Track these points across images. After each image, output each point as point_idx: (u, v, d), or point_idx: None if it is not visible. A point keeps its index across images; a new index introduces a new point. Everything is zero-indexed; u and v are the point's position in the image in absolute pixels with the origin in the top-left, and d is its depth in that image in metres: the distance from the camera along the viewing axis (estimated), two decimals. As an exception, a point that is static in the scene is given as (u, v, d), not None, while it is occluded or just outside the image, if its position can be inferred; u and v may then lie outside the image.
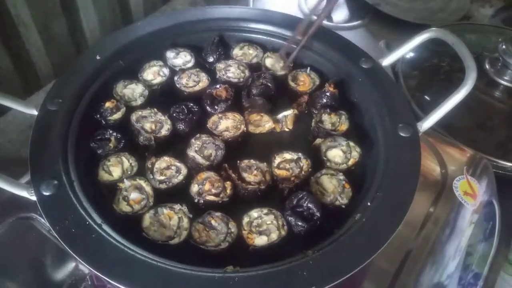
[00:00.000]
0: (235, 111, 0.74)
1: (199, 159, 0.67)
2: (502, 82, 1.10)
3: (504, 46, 1.07)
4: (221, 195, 0.64)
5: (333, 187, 0.65)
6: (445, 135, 0.98)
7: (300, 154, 0.69)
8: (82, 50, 1.30)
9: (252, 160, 0.67)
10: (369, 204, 0.60)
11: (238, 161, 0.67)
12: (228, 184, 0.65)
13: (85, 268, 0.66)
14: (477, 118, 1.09)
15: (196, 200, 0.64)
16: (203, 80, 0.78)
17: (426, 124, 0.69)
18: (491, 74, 1.11)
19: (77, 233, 0.55)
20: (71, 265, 0.66)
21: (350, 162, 0.69)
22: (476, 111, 1.10)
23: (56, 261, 0.67)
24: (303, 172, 0.67)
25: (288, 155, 0.69)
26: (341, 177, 0.66)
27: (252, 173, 0.66)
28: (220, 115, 0.73)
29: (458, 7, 1.41)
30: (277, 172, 0.67)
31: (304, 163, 0.68)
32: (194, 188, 0.64)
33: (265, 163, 0.68)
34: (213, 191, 0.64)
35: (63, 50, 1.28)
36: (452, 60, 1.14)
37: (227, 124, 0.72)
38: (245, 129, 0.72)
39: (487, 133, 1.07)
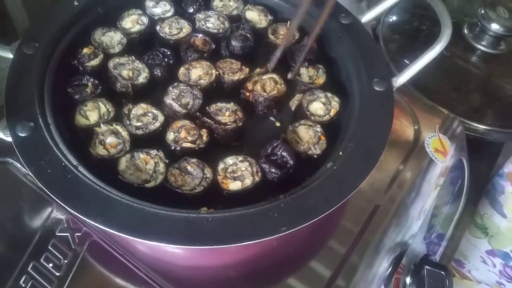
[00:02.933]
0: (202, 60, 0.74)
1: (176, 107, 0.67)
2: (480, 47, 1.12)
3: (483, 11, 1.08)
4: (197, 142, 0.65)
5: (308, 137, 0.67)
6: (421, 97, 1.00)
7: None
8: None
9: (218, 103, 0.69)
10: (341, 153, 0.62)
11: (206, 108, 0.68)
12: (204, 131, 0.66)
13: (61, 211, 0.67)
14: (453, 82, 1.12)
15: (172, 148, 0.64)
16: (185, 26, 0.78)
17: (401, 79, 0.71)
18: (469, 39, 1.13)
19: (53, 174, 0.55)
20: (48, 209, 0.67)
21: (332, 113, 0.70)
22: (453, 76, 1.13)
23: (33, 205, 0.68)
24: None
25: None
26: (318, 129, 0.68)
27: (225, 114, 0.67)
28: (186, 65, 0.73)
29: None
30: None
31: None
32: (170, 136, 0.65)
33: (231, 103, 0.69)
34: (189, 138, 0.64)
35: (40, 2, 1.25)
36: (432, 24, 1.15)
37: (197, 72, 0.72)
38: (216, 73, 0.72)
39: (462, 97, 1.09)
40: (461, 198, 1.05)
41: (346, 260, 0.70)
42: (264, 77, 0.73)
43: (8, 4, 1.17)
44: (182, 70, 0.72)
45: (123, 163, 0.61)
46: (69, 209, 0.53)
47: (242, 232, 0.53)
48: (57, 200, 0.53)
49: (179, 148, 0.64)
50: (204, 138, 0.65)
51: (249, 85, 0.72)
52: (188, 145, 0.64)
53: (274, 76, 0.73)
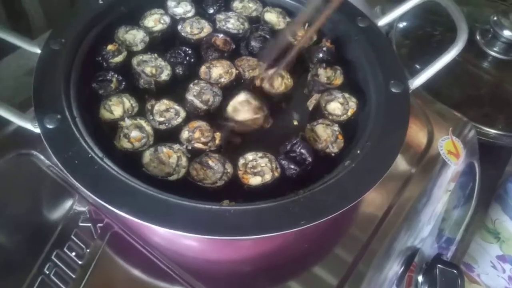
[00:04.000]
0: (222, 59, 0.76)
1: (197, 103, 0.69)
2: (491, 53, 1.14)
3: (495, 18, 1.10)
4: (209, 144, 0.66)
5: (326, 135, 0.68)
6: (434, 100, 1.01)
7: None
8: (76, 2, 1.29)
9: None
10: (358, 152, 0.63)
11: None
12: (217, 134, 0.67)
13: (83, 202, 0.68)
14: (465, 87, 1.13)
15: (184, 146, 0.65)
16: (206, 26, 0.80)
17: (417, 82, 0.72)
18: (481, 45, 1.15)
19: (80, 164, 0.57)
20: (70, 200, 0.69)
21: (350, 113, 0.72)
22: (465, 81, 1.14)
23: (56, 196, 0.70)
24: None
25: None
26: (336, 128, 0.70)
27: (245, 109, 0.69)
28: (207, 64, 0.74)
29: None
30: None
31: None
32: (185, 134, 0.67)
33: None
34: (202, 139, 0.66)
35: (57, 2, 1.27)
36: (445, 30, 1.17)
37: (218, 71, 0.74)
38: (236, 71, 0.74)
39: (473, 102, 1.11)
40: (471, 202, 1.06)
41: (356, 263, 0.70)
42: (270, 73, 0.74)
43: (25, 4, 1.19)
44: (203, 68, 0.74)
45: (147, 156, 0.63)
46: (96, 198, 0.54)
47: (263, 224, 0.54)
48: (84, 189, 0.55)
49: (190, 148, 0.65)
50: (217, 141, 0.67)
51: (257, 82, 0.74)
52: (200, 145, 0.66)
53: (281, 71, 0.74)
